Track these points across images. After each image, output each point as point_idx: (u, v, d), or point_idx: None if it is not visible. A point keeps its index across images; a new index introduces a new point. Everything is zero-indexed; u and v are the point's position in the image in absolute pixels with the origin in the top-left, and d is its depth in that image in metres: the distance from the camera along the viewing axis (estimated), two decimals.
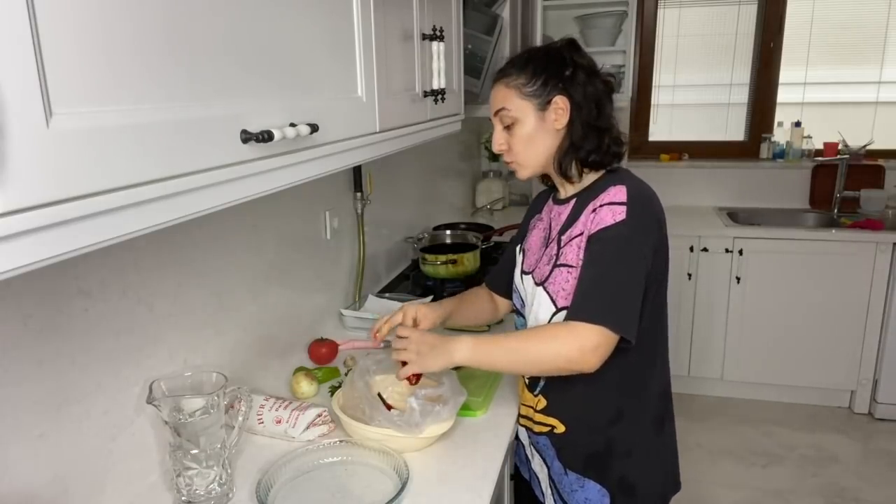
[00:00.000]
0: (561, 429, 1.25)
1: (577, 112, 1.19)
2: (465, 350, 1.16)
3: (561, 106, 1.18)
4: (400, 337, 1.24)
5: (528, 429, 1.34)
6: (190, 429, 1.03)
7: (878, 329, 3.02)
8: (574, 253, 1.16)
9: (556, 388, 1.25)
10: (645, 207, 1.14)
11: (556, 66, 1.19)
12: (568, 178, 1.23)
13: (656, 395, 1.26)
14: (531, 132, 1.20)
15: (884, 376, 3.05)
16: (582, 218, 1.18)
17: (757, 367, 3.21)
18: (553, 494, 1.31)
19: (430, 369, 1.20)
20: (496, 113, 1.23)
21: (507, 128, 1.22)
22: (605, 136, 1.20)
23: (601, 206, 1.14)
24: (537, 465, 1.34)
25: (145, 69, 0.63)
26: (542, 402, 1.27)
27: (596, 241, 1.12)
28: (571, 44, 1.24)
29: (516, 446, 1.42)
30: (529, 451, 1.36)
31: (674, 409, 1.31)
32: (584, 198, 1.20)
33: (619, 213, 1.11)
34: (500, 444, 1.24)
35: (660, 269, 1.19)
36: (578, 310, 1.10)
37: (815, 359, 3.13)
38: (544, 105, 1.19)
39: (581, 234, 1.16)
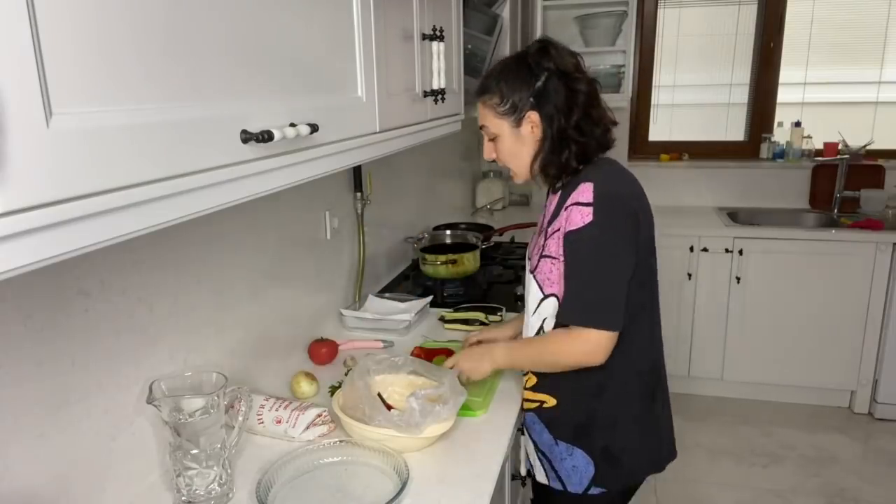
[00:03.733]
0: (552, 402, 1.33)
1: (547, 124, 1.25)
2: (503, 354, 1.36)
3: (533, 121, 1.26)
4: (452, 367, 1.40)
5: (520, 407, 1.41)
6: (190, 429, 1.03)
7: (878, 329, 3.02)
8: (555, 245, 1.24)
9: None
10: (612, 204, 1.20)
11: (526, 81, 1.24)
12: (550, 179, 1.31)
13: (644, 371, 1.32)
14: (511, 146, 1.30)
15: (884, 376, 3.05)
16: (562, 212, 1.24)
17: (757, 367, 3.21)
18: (543, 464, 1.38)
19: (485, 374, 1.37)
20: (480, 127, 1.33)
21: (491, 139, 1.32)
22: (571, 145, 1.24)
23: (572, 205, 1.21)
24: (526, 438, 1.43)
25: (145, 69, 0.63)
26: (532, 380, 1.36)
27: (570, 244, 1.21)
28: (542, 49, 1.26)
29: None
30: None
31: (667, 384, 1.40)
32: (565, 192, 1.27)
33: (587, 215, 1.18)
34: (500, 444, 1.24)
35: (641, 251, 1.24)
36: (572, 317, 1.23)
37: (815, 359, 3.13)
38: (518, 121, 1.27)
39: (559, 229, 1.24)
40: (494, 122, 1.28)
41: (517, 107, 1.25)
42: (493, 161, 1.35)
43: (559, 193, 1.29)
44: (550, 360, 1.28)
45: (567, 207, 1.21)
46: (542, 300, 1.29)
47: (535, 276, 1.31)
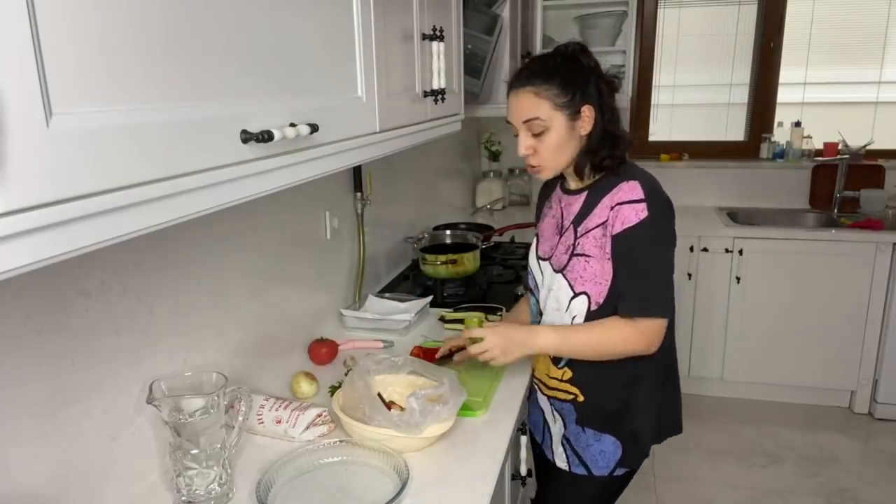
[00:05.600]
0: (581, 398, 1.38)
1: (599, 118, 1.28)
2: (549, 338, 1.30)
3: (588, 115, 1.27)
4: (474, 340, 1.34)
5: (552, 398, 1.43)
6: (190, 429, 1.03)
7: (878, 329, 3.02)
8: (591, 244, 1.28)
9: (579, 361, 1.35)
10: (661, 201, 1.25)
11: (581, 76, 1.27)
12: (581, 176, 1.34)
13: (664, 357, 1.37)
14: (561, 140, 1.28)
15: (884, 376, 3.05)
16: (598, 211, 1.28)
17: (757, 367, 3.21)
18: (566, 451, 1.42)
19: (515, 360, 1.32)
20: (526, 121, 1.28)
21: (536, 134, 1.28)
22: (618, 142, 1.29)
23: (620, 204, 1.24)
24: (557, 428, 1.45)
25: (145, 69, 0.63)
26: (568, 374, 1.39)
27: (626, 240, 1.23)
28: (584, 49, 1.31)
29: (532, 413, 1.53)
30: (552, 416, 1.45)
31: (678, 365, 1.46)
32: (597, 191, 1.31)
33: (642, 211, 1.22)
34: (500, 444, 1.24)
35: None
36: (634, 307, 1.25)
37: (815, 359, 3.13)
38: (575, 115, 1.27)
39: (598, 226, 1.27)
40: (549, 113, 1.26)
41: (576, 98, 1.26)
42: (526, 156, 1.31)
43: (584, 194, 1.32)
44: (608, 349, 1.28)
45: (614, 208, 1.24)
46: (573, 298, 1.31)
47: (565, 276, 1.32)
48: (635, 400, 1.35)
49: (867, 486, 2.62)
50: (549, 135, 1.27)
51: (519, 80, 1.29)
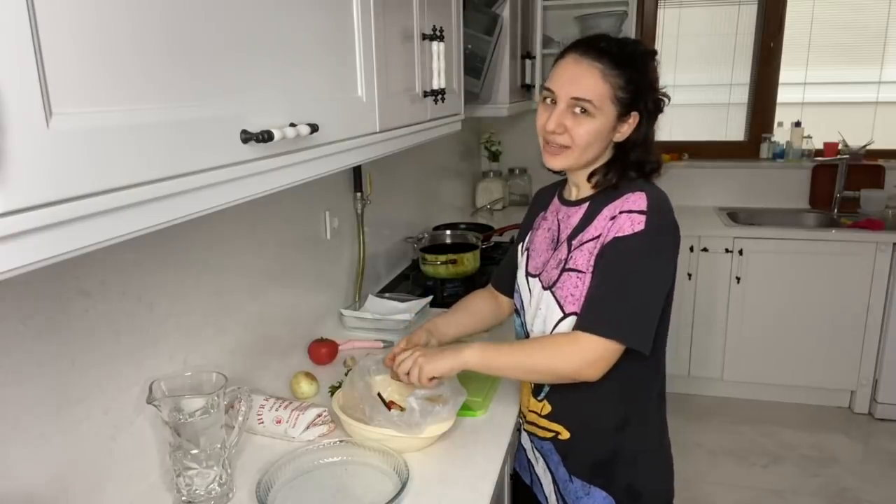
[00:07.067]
0: (566, 435, 1.24)
1: (636, 132, 1.16)
2: (475, 354, 1.15)
3: (631, 123, 1.15)
4: (402, 361, 1.20)
5: (531, 434, 1.33)
6: (190, 429, 1.03)
7: (878, 329, 3.02)
8: (585, 258, 1.14)
9: (561, 394, 1.24)
10: (664, 219, 1.12)
11: (645, 80, 1.15)
12: (590, 183, 1.20)
13: (657, 401, 1.26)
14: (599, 134, 1.14)
15: (884, 376, 3.05)
16: (596, 223, 1.15)
17: (757, 367, 3.21)
18: (558, 501, 1.30)
19: (440, 370, 1.16)
20: (576, 98, 1.11)
21: (575, 112, 1.13)
22: (643, 165, 1.18)
23: (620, 213, 1.11)
24: (541, 469, 1.33)
25: (145, 69, 0.63)
26: (547, 408, 1.26)
27: (611, 250, 1.10)
28: (655, 55, 1.18)
29: (517, 451, 1.42)
30: (533, 455, 1.35)
31: (667, 410, 1.31)
32: (599, 202, 1.18)
33: (639, 223, 1.09)
34: (500, 444, 1.24)
35: (672, 276, 1.18)
36: (585, 321, 1.10)
37: (815, 359, 3.13)
38: (623, 116, 1.14)
39: (593, 239, 1.14)
40: (604, 102, 1.11)
41: (631, 101, 1.12)
42: (552, 132, 1.14)
43: (585, 205, 1.20)
44: (542, 365, 1.12)
45: (613, 217, 1.12)
46: (561, 320, 1.16)
47: (553, 293, 1.18)
48: (627, 448, 1.21)
49: (867, 486, 2.62)
50: (590, 122, 1.12)
51: (590, 49, 1.12)
